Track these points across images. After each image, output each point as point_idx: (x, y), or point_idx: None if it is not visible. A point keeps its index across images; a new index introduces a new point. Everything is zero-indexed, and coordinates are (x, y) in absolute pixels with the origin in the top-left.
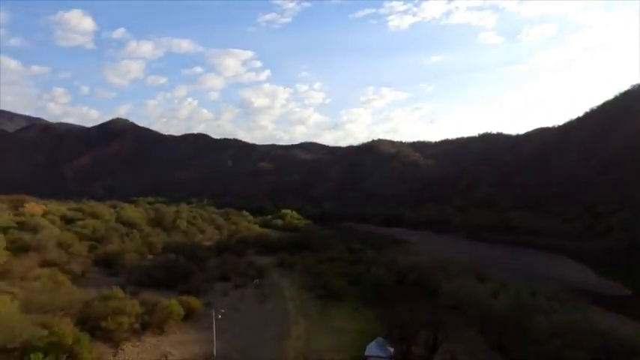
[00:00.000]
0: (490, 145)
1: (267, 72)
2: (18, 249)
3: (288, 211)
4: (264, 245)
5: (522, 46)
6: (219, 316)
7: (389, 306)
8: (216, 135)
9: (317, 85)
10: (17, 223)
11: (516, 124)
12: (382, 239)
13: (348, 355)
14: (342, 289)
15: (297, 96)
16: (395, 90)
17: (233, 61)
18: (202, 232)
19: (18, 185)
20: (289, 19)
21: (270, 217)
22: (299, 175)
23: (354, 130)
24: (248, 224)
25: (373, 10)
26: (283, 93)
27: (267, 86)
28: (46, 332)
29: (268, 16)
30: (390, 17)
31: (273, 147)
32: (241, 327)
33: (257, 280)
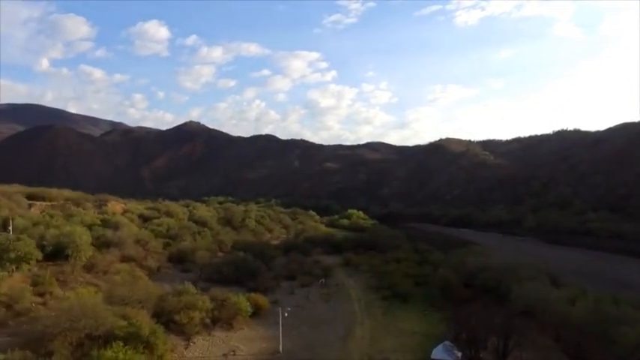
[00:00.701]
0: (566, 142)
1: (333, 72)
2: (101, 245)
3: (354, 210)
4: (330, 245)
5: (602, 38)
6: (286, 314)
7: (456, 309)
8: (283, 136)
9: (383, 85)
10: (101, 220)
11: (595, 120)
12: (450, 240)
13: (414, 357)
14: (408, 290)
15: (363, 96)
16: (463, 87)
17: (299, 63)
18: (270, 231)
19: (102, 185)
20: (354, 20)
21: (336, 216)
22: (365, 174)
23: (420, 128)
24: (314, 224)
25: (440, 7)
26: (349, 93)
27: (333, 87)
28: (125, 323)
29: (333, 17)
30: (457, 13)
31: (340, 147)
32: (307, 325)
33: (323, 280)
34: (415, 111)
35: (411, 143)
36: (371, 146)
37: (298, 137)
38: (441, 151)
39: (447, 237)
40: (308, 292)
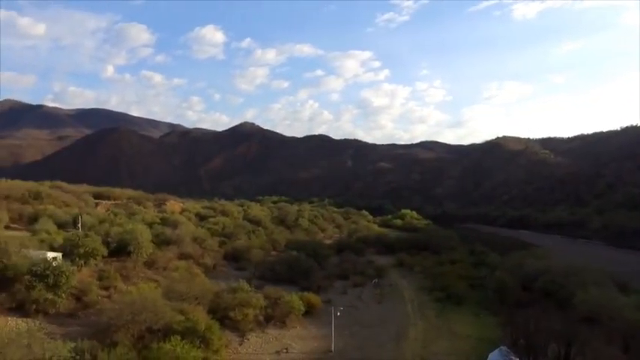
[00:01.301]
0: (635, 138)
1: (386, 71)
2: (161, 242)
3: (408, 210)
4: (384, 245)
5: None
6: (338, 314)
7: (513, 313)
8: (336, 136)
9: (437, 83)
10: (160, 219)
11: None
12: (507, 242)
13: None
14: (463, 292)
15: (417, 94)
16: (521, 83)
17: (352, 63)
18: (323, 230)
19: (161, 184)
20: (407, 18)
21: (389, 216)
22: (419, 174)
23: (476, 127)
24: (367, 224)
25: (496, 1)
26: (402, 92)
27: (386, 86)
28: (182, 318)
29: (386, 16)
30: (514, 6)
31: (393, 146)
32: (359, 325)
33: (376, 280)
34: (470, 109)
35: (466, 142)
36: (425, 145)
37: (351, 137)
38: (497, 149)
39: (503, 238)
40: (361, 292)
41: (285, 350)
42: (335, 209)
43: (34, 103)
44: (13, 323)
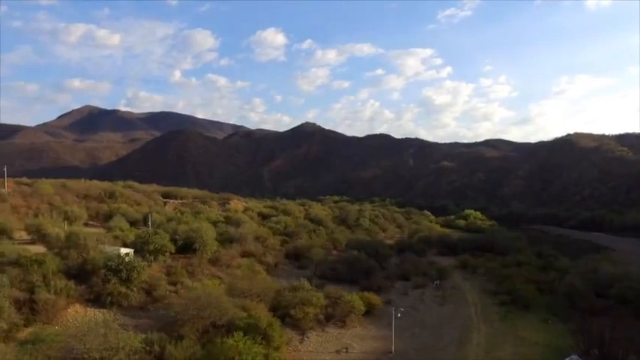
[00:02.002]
0: None
1: (448, 69)
2: (224, 240)
3: (472, 211)
4: (446, 246)
5: None
6: (399, 315)
7: (586, 321)
8: (397, 135)
9: (502, 79)
10: (224, 217)
11: None
12: (578, 245)
13: None
14: (529, 296)
15: (481, 91)
16: (594, 77)
17: (413, 60)
18: (384, 230)
19: (225, 184)
20: (470, 12)
21: (452, 217)
22: (483, 173)
23: (545, 123)
24: (429, 224)
25: None
26: (466, 89)
27: (448, 83)
28: (245, 314)
29: (448, 12)
30: None
31: (456, 145)
32: (420, 327)
33: (437, 281)
34: (538, 105)
35: (534, 139)
36: (490, 143)
37: (413, 136)
38: (568, 147)
39: (575, 241)
40: (422, 293)
41: (345, 350)
42: (396, 209)
43: (110, 108)
44: (92, 313)
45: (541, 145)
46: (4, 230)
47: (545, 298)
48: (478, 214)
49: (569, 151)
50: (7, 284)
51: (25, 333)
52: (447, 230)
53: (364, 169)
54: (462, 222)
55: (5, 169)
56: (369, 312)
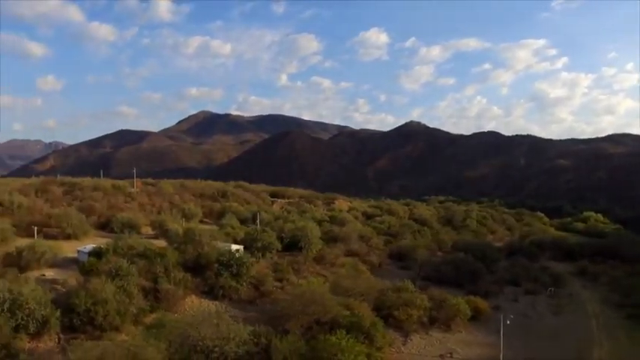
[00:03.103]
0: None
1: (564, 59)
2: (329, 239)
3: (592, 213)
4: (562, 250)
5: None
6: (508, 322)
7: None
8: (507, 132)
9: (629, 66)
10: (329, 217)
11: None
12: None
13: None
14: None
15: (603, 82)
16: None
17: (523, 53)
18: (492, 232)
19: (330, 184)
20: None
21: (569, 219)
22: (606, 172)
23: None
24: (543, 226)
25: None
26: (584, 80)
27: (564, 75)
28: (348, 313)
29: None
30: None
31: (573, 141)
32: (532, 337)
33: (552, 288)
34: None
35: None
36: (614, 139)
37: (524, 132)
38: None
39: None
40: (534, 300)
41: (449, 354)
42: (506, 210)
43: (222, 112)
44: (205, 304)
45: None
46: (133, 225)
47: None
48: (599, 216)
49: None
50: (136, 274)
51: (150, 318)
52: (562, 234)
53: (471, 169)
54: (580, 225)
55: (134, 171)
56: (475, 317)
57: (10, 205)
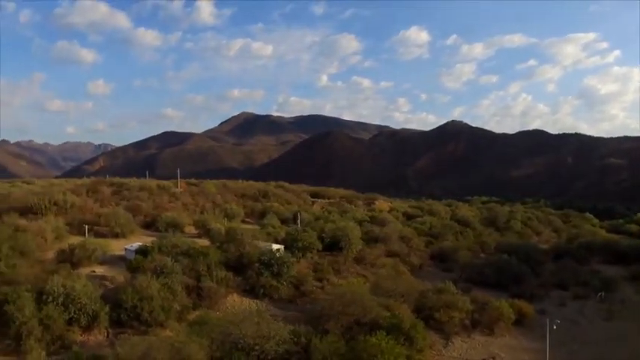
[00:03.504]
0: None
1: (616, 53)
2: (369, 239)
3: None
4: (613, 253)
5: None
6: (554, 327)
7: None
8: (553, 130)
9: None
10: (369, 217)
11: None
12: None
13: None
14: None
15: None
16: None
17: (572, 48)
18: (538, 234)
19: (370, 184)
20: None
21: (621, 221)
22: None
23: None
24: (592, 228)
25: None
26: (639, 74)
27: (616, 69)
28: (388, 314)
29: None
30: None
31: (626, 139)
32: (580, 343)
33: (602, 293)
34: None
35: None
36: None
37: (571, 131)
38: None
39: None
40: (582, 305)
41: (492, 359)
42: (552, 211)
43: (263, 113)
44: (247, 303)
45: None
46: (177, 225)
47: None
48: None
49: None
50: (180, 272)
51: (193, 315)
52: (614, 236)
53: (516, 168)
54: (633, 227)
55: (178, 172)
56: (520, 321)
57: (64, 205)
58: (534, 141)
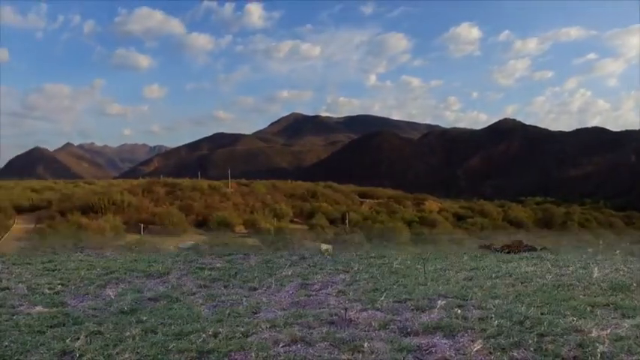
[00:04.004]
0: None
1: None
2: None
3: None
4: None
5: None
6: None
7: None
8: (615, 127)
9: None
10: (419, 218)
11: None
12: None
13: None
14: None
15: None
16: None
17: (636, 39)
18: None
19: (419, 184)
20: None
21: None
22: None
23: None
24: None
25: None
26: None
27: None
28: None
29: None
30: None
31: None
32: None
33: None
34: None
35: None
36: None
37: (636, 127)
38: None
39: None
40: None
41: None
42: (613, 212)
43: (312, 114)
44: None
45: None
46: (228, 224)
47: None
48: None
49: None
50: None
51: None
52: None
53: (573, 167)
54: None
55: (229, 172)
56: None
57: (122, 204)
58: (593, 138)
